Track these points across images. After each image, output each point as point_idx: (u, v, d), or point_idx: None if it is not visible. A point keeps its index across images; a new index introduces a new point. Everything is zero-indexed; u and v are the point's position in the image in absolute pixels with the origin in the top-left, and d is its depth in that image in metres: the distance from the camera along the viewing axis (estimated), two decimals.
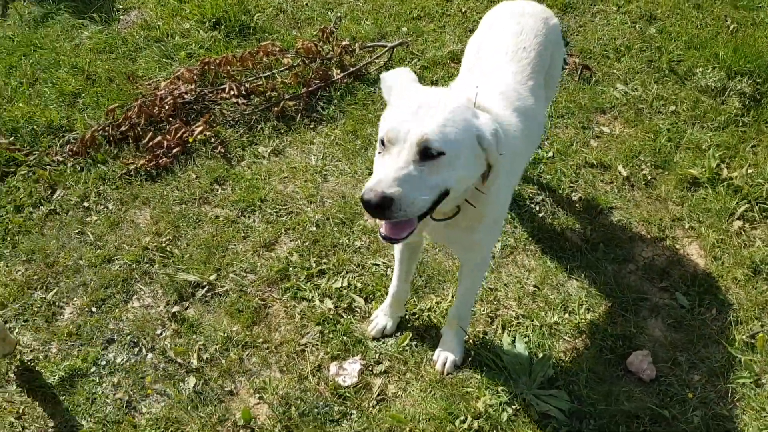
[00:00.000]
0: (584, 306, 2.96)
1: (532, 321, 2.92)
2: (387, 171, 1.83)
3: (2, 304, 3.09)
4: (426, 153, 1.84)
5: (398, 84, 2.12)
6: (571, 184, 3.54)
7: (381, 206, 1.78)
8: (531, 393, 2.61)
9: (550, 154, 3.68)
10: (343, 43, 4.31)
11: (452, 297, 3.00)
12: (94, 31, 4.66)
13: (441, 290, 3.06)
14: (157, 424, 2.61)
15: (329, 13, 4.78)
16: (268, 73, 4.19)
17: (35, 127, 3.95)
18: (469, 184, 2.04)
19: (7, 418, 2.68)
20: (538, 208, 3.42)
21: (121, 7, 4.92)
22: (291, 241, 3.32)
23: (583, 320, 2.90)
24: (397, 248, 2.70)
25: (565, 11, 4.74)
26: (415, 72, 4.18)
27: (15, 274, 3.24)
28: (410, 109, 1.90)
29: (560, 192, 3.50)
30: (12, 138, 3.88)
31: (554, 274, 3.11)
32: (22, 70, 4.36)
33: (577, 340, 2.84)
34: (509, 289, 3.06)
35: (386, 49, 4.33)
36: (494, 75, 2.47)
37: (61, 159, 3.78)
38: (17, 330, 2.99)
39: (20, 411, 2.70)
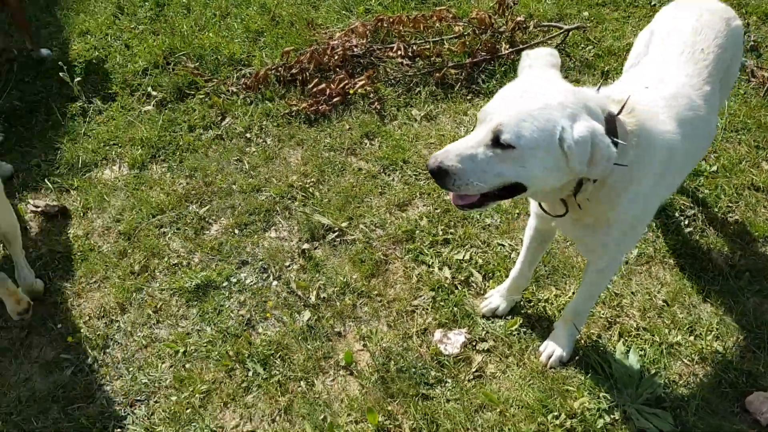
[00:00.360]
0: (713, 333, 2.76)
1: (653, 336, 2.77)
2: (457, 145, 1.87)
3: (162, 210, 3.45)
4: (498, 141, 1.80)
5: (531, 64, 2.00)
6: (730, 205, 3.27)
7: (437, 175, 1.85)
8: (634, 407, 2.51)
9: (714, 168, 3.41)
10: (518, 18, 4.23)
11: (573, 293, 2.92)
12: None
13: (563, 284, 2.99)
14: (269, 346, 2.82)
15: None
16: (436, 39, 4.23)
17: (219, 57, 4.30)
18: (549, 186, 1.92)
19: (146, 310, 3.02)
20: (687, 222, 3.21)
21: None
22: (423, 205, 3.38)
23: (708, 347, 2.72)
24: (527, 233, 2.66)
25: (765, 21, 4.31)
26: (587, 59, 4.07)
27: (177, 186, 3.59)
28: (511, 93, 1.86)
29: (715, 210, 3.25)
30: (198, 63, 4.26)
31: (688, 294, 2.92)
32: (217, 3, 4.74)
33: (696, 366, 2.67)
34: (636, 298, 2.93)
35: (561, 30, 4.20)
36: (664, 76, 2.32)
37: (234, 90, 4.09)
38: (170, 235, 3.33)
39: (158, 306, 3.03)
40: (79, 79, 4.15)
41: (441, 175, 1.85)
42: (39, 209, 3.49)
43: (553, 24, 4.31)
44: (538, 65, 1.96)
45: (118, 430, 2.61)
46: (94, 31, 4.69)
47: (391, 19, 4.20)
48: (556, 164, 1.82)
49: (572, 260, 3.09)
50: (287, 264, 3.17)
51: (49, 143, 3.90)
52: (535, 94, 1.82)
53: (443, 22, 4.31)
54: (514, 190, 1.92)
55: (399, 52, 4.12)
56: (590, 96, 1.91)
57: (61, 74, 4.08)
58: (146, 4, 4.86)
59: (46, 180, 3.65)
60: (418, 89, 3.99)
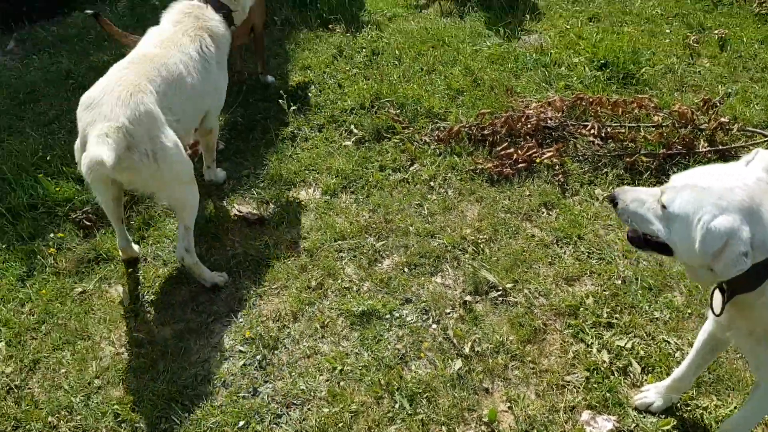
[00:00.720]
0: None
1: None
2: (639, 189, 2.20)
3: (343, 236, 3.76)
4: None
5: (751, 160, 2.05)
6: None
7: (611, 201, 2.25)
8: None
9: None
10: (722, 119, 4.14)
11: (735, 408, 2.79)
12: (495, 43, 5.22)
13: (726, 395, 2.86)
14: (418, 385, 2.96)
15: (720, 86, 4.62)
16: (633, 124, 4.25)
17: (418, 107, 4.63)
18: (687, 260, 2.07)
19: (314, 323, 3.30)
20: None
21: (526, 28, 5.41)
22: (592, 284, 3.39)
23: None
24: (700, 337, 2.60)
25: None
26: None
27: (360, 217, 3.89)
28: (704, 169, 2.04)
29: None
30: (399, 111, 4.61)
31: None
32: (426, 59, 5.11)
33: None
34: None
35: (766, 138, 4.05)
36: None
37: (427, 140, 4.38)
38: (346, 260, 3.62)
39: (325, 322, 3.30)
40: (294, 108, 4.66)
41: (614, 203, 2.23)
42: (241, 214, 3.96)
43: (758, 131, 4.17)
44: (756, 164, 2.00)
45: (274, 425, 2.87)
46: (315, 67, 5.23)
47: (590, 99, 4.30)
48: (689, 242, 1.94)
49: (740, 373, 2.94)
50: (447, 311, 3.32)
51: (259, 159, 4.40)
52: (717, 177, 1.94)
53: (642, 110, 4.33)
54: (665, 247, 2.11)
55: (592, 131, 4.19)
56: None
57: (280, 101, 4.61)
58: (363, 51, 5.35)
59: (252, 190, 4.13)
60: (605, 170, 4.03)
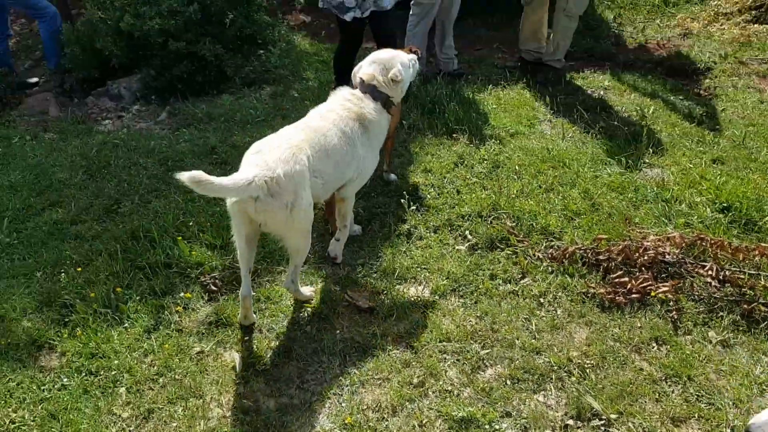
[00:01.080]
0: None
1: None
2: None
3: (448, 338, 3.85)
4: None
5: None
6: None
7: None
8: None
9: None
10: None
11: None
12: (615, 171, 5.34)
13: None
14: None
15: None
16: (753, 272, 4.18)
17: (534, 223, 4.76)
18: None
19: (413, 421, 3.36)
20: None
21: (648, 162, 5.51)
22: (699, 429, 3.28)
23: None
24: None
25: None
26: None
27: (466, 322, 3.98)
28: None
29: None
30: (514, 224, 4.75)
31: None
32: (545, 178, 5.28)
33: None
34: None
35: None
36: None
37: (540, 256, 4.47)
38: (449, 363, 3.69)
39: (423, 422, 3.36)
40: (413, 207, 4.91)
41: None
42: (353, 301, 4.15)
43: None
44: None
45: None
46: (436, 171, 5.51)
47: (711, 241, 4.29)
48: None
49: None
50: None
51: (375, 250, 4.63)
52: None
53: (764, 258, 4.26)
54: None
55: (710, 272, 4.15)
56: None
57: (402, 200, 4.88)
58: (484, 162, 5.60)
59: (365, 278, 4.34)
60: (721, 313, 3.95)
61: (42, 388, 3.61)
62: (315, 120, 4.06)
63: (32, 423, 3.40)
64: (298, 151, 3.67)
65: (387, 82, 4.30)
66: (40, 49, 8.72)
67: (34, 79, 8.22)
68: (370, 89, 4.28)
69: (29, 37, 9.78)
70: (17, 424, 3.40)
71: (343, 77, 5.78)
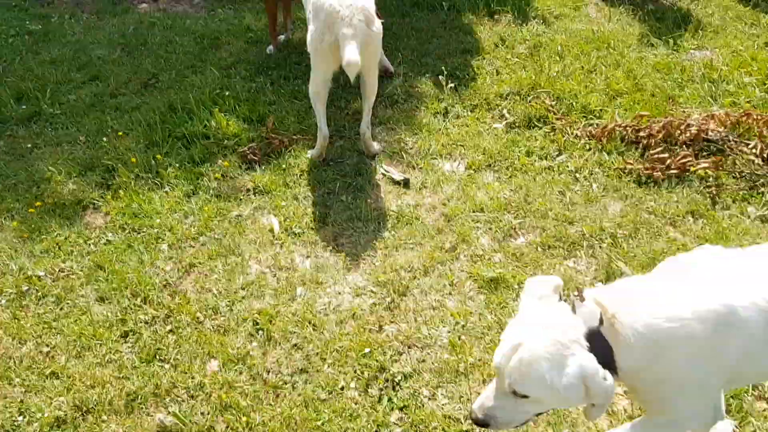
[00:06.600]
0: None
1: None
2: (487, 394, 2.06)
3: (481, 209, 3.87)
4: (516, 393, 1.96)
5: (529, 294, 2.08)
6: None
7: (481, 424, 2.08)
8: None
9: None
10: None
11: None
12: (662, 52, 5.14)
13: None
14: None
15: None
16: None
17: (574, 103, 4.65)
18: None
19: (443, 280, 3.44)
20: None
21: (697, 43, 5.28)
22: None
23: None
24: None
25: None
26: None
27: (500, 195, 3.97)
28: (509, 345, 1.95)
29: None
30: (554, 102, 4.66)
31: None
32: (588, 59, 5.11)
33: None
34: None
35: None
36: None
37: (578, 134, 4.39)
38: (482, 231, 3.73)
39: (453, 281, 3.43)
40: (452, 86, 4.83)
41: (485, 424, 2.06)
42: (388, 173, 4.17)
43: None
44: (533, 293, 2.07)
45: (394, 360, 3.04)
46: (475, 52, 5.37)
47: (760, 118, 4.14)
48: (566, 400, 1.96)
49: None
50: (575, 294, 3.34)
51: (412, 128, 4.60)
52: (528, 349, 1.90)
53: None
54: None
55: (754, 150, 4.04)
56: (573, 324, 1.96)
57: (440, 77, 4.79)
58: (526, 42, 5.43)
59: (401, 153, 4.34)
60: (762, 189, 3.88)
61: (88, 242, 3.78)
62: None
63: (80, 272, 3.59)
64: None
65: None
66: None
67: None
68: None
69: None
70: (66, 273, 3.58)
71: None
